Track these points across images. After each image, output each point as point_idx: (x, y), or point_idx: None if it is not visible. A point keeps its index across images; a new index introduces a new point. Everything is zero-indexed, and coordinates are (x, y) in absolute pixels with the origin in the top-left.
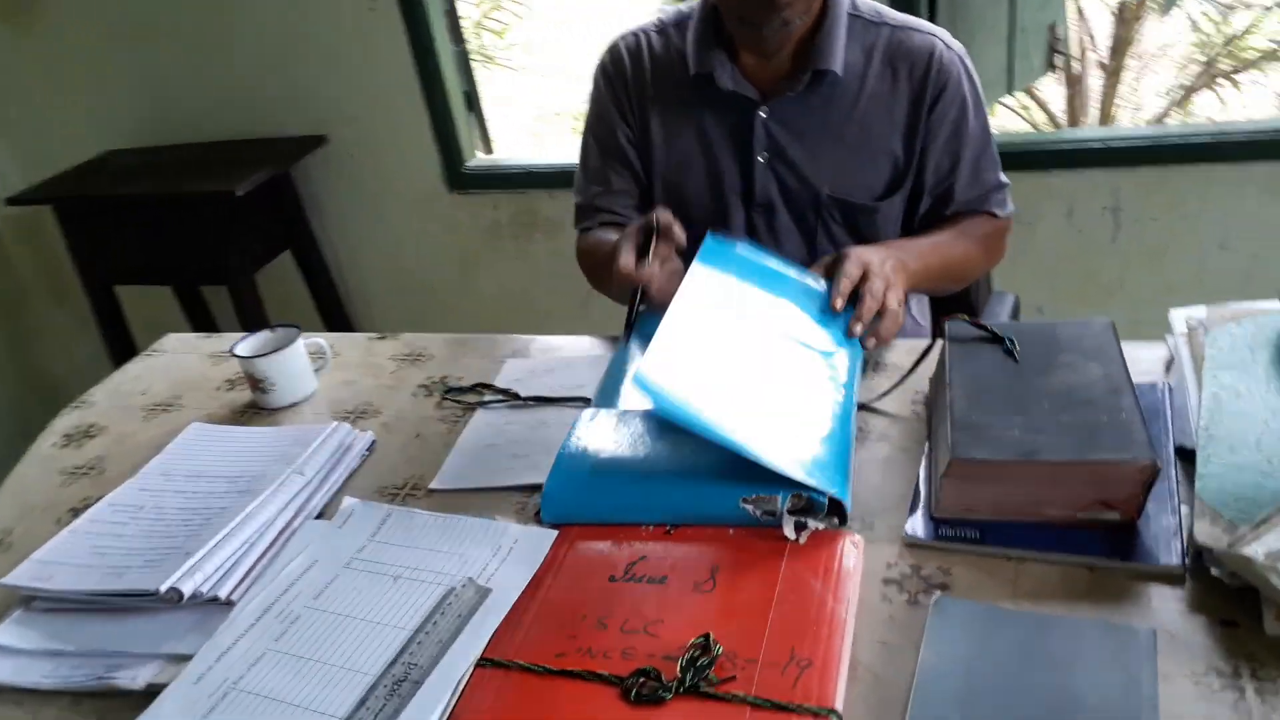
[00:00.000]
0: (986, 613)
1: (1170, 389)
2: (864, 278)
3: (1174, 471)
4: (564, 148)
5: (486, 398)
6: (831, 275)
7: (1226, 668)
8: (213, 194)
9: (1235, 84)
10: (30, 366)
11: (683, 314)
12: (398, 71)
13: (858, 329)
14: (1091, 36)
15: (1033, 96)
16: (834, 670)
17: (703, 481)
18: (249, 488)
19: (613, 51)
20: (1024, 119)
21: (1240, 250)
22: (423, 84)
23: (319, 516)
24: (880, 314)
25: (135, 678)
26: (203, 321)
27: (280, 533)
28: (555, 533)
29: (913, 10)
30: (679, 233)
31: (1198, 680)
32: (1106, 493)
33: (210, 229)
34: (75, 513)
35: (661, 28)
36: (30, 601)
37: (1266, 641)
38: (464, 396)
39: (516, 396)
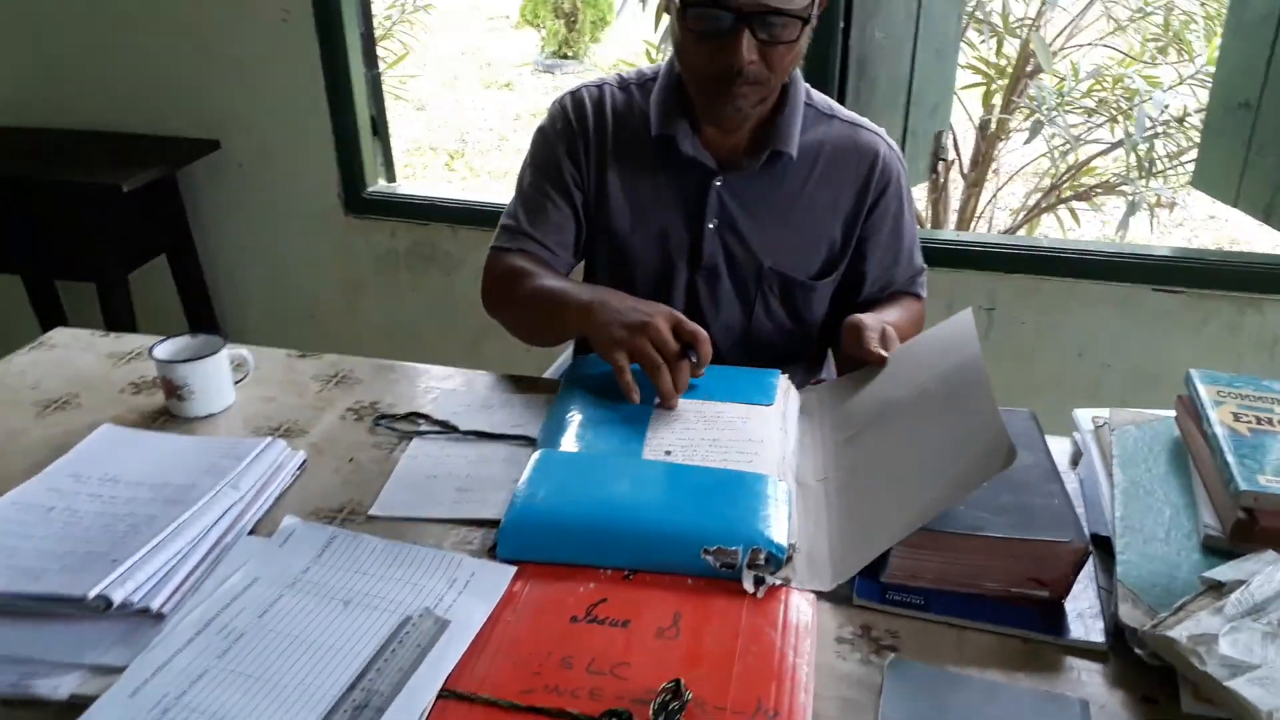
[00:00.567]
0: (938, 676)
1: (1082, 480)
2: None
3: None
4: (432, 182)
5: (423, 427)
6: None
7: None
8: (97, 186)
9: (1073, 212)
10: None
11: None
12: (305, 87)
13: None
14: (958, 148)
15: None
16: None
17: (664, 530)
18: (177, 497)
19: (575, 96)
20: None
21: (1093, 360)
22: (330, 103)
23: (251, 533)
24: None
25: (57, 687)
26: (52, 317)
27: (213, 546)
28: (514, 569)
29: None
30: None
31: None
32: (1040, 571)
33: (90, 223)
34: None
35: (624, 84)
36: None
37: (1184, 718)
38: (398, 424)
39: (455, 429)
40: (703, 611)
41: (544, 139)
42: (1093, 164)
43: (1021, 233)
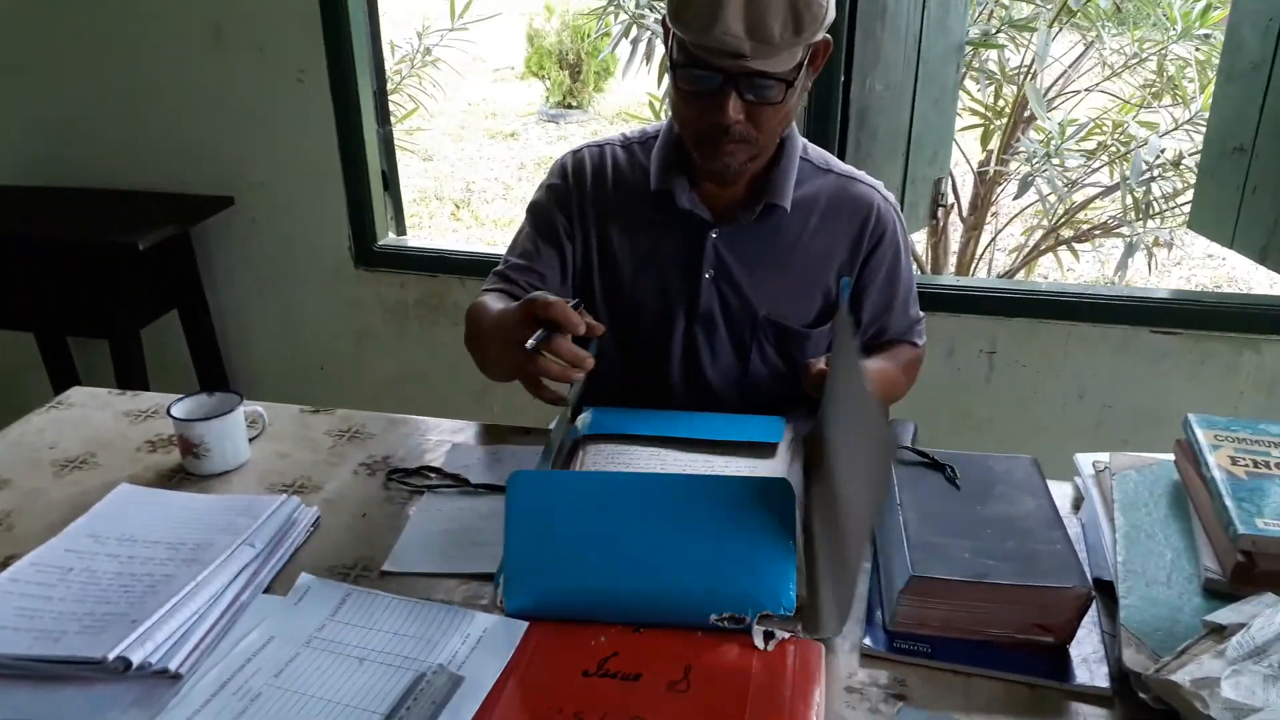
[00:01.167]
0: None
1: (1084, 525)
2: None
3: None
4: (439, 232)
5: (434, 482)
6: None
7: None
8: (113, 245)
9: (1073, 250)
10: None
11: None
12: (319, 144)
13: None
14: (957, 192)
15: None
16: None
17: (673, 594)
18: (194, 556)
19: (576, 156)
20: None
21: (1094, 401)
22: (343, 160)
23: (266, 591)
24: None
25: None
26: (63, 372)
27: (230, 605)
28: (526, 624)
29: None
30: (575, 322)
31: None
32: (1045, 616)
33: (105, 281)
34: None
35: (627, 144)
36: None
37: None
38: (410, 479)
39: (466, 483)
40: (713, 664)
41: (543, 193)
42: (1091, 204)
43: (1021, 274)
